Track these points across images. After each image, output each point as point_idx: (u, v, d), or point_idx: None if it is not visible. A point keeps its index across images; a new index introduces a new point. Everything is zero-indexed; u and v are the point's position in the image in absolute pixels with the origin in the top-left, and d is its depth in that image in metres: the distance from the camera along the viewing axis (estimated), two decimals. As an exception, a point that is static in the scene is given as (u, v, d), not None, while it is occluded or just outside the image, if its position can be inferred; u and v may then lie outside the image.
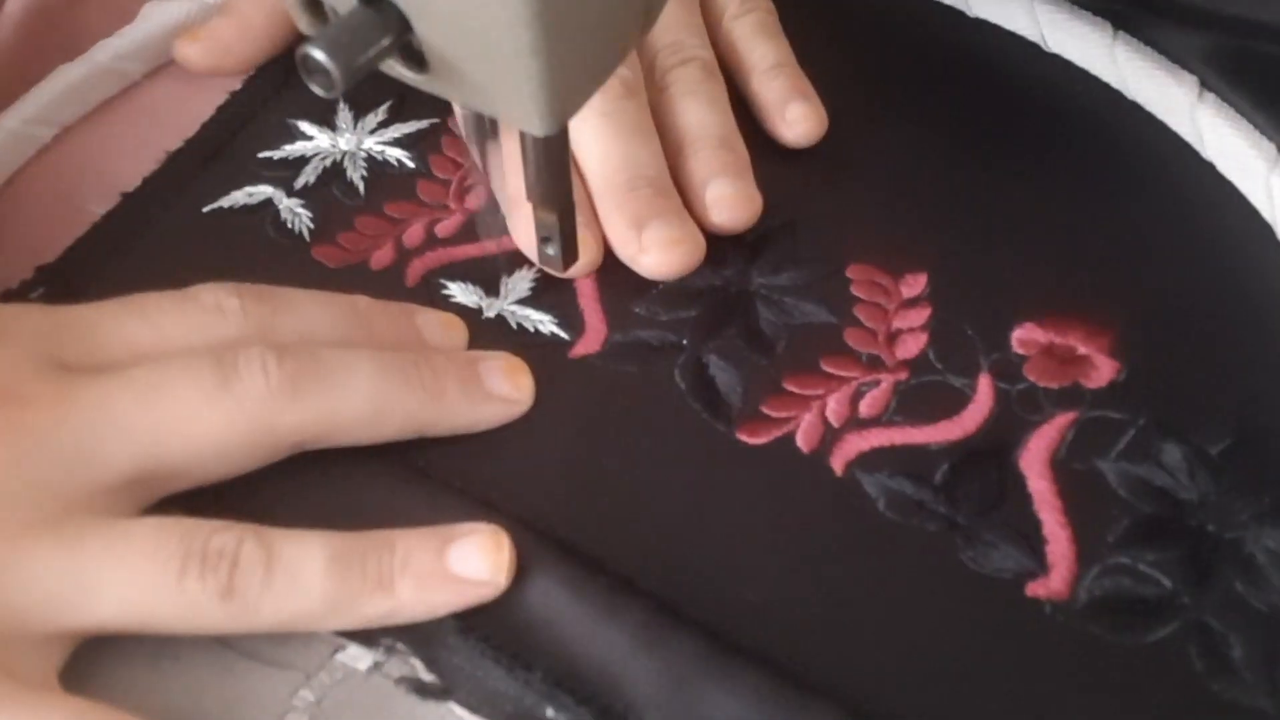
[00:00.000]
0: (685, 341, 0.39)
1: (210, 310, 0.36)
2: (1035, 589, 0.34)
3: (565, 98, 0.29)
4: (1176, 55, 0.45)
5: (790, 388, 0.38)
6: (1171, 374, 0.39)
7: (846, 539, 0.35)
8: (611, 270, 0.41)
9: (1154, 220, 0.43)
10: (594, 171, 0.41)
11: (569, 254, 0.36)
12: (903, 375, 0.39)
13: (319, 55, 0.27)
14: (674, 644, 0.33)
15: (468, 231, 0.42)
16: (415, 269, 0.41)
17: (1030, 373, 0.39)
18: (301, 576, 0.32)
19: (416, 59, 0.29)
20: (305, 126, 0.45)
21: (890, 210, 0.43)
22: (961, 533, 0.35)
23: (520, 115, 0.30)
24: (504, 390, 0.37)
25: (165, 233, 0.42)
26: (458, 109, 0.35)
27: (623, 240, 0.41)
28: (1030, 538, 0.35)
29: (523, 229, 0.40)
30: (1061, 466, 0.37)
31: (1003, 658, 0.33)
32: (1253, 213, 0.43)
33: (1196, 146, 0.45)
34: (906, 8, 0.49)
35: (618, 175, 0.41)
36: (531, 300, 0.40)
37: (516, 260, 0.41)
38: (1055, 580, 0.34)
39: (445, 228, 0.42)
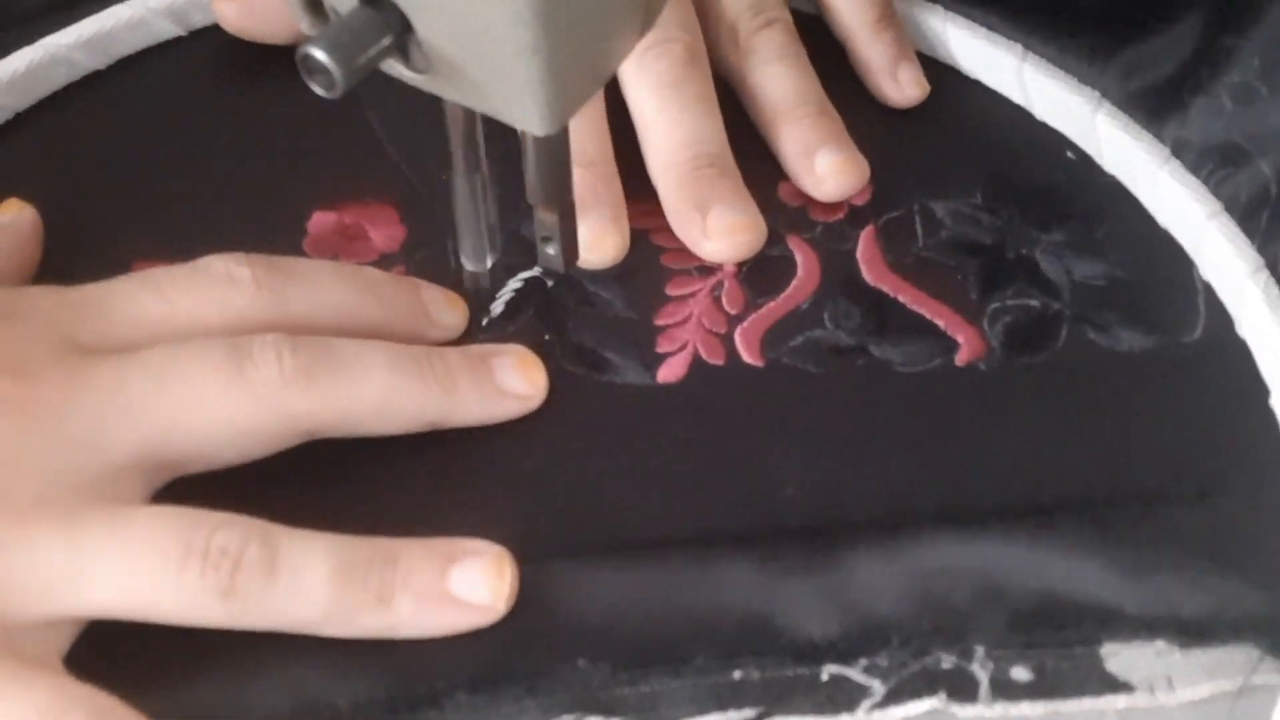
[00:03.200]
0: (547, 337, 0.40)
1: (221, 281, 0.35)
2: (962, 358, 0.39)
3: (566, 97, 0.30)
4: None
5: (661, 323, 0.40)
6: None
7: (799, 414, 0.38)
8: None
9: None
10: (657, 147, 0.41)
11: (570, 254, 0.36)
12: (732, 269, 0.41)
13: (319, 55, 0.27)
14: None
15: None
16: None
17: (815, 215, 0.42)
18: (304, 584, 0.31)
19: (417, 59, 0.30)
20: None
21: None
22: (879, 351, 0.39)
23: (521, 115, 0.30)
24: (516, 386, 0.37)
25: None
26: (449, 115, 0.35)
27: (685, 223, 0.41)
28: (927, 329, 0.39)
29: None
30: (896, 266, 0.40)
31: (973, 423, 0.38)
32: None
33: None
34: None
35: (681, 152, 0.41)
36: None
37: None
38: (969, 346, 0.39)
39: None
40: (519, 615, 0.33)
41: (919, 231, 0.42)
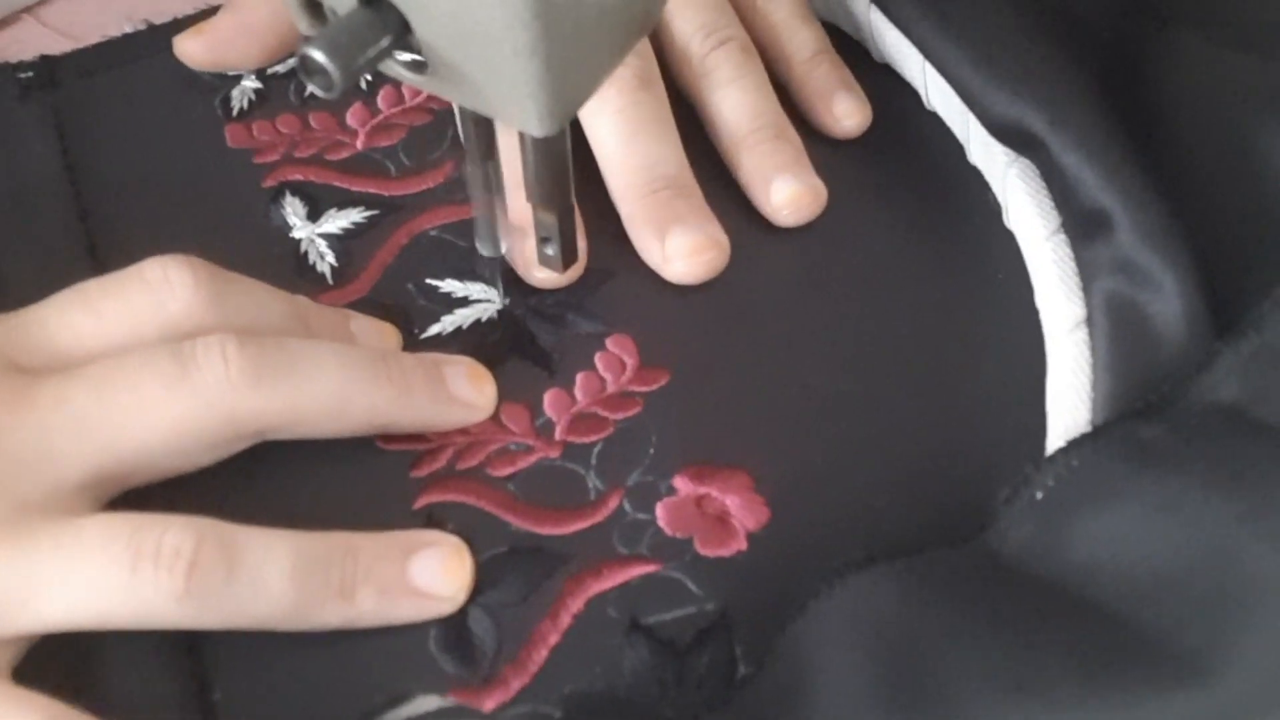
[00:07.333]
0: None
1: (157, 286, 0.34)
2: (463, 694, 0.33)
3: (564, 98, 0.30)
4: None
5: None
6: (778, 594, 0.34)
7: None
8: (412, 247, 0.42)
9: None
10: (612, 172, 0.41)
11: (568, 254, 0.37)
12: (555, 454, 0.37)
13: (318, 56, 0.28)
14: None
15: (351, 164, 0.44)
16: (280, 174, 0.44)
17: (661, 510, 0.36)
18: (265, 580, 0.31)
19: (416, 59, 0.30)
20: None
21: (692, 300, 0.41)
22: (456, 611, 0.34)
23: (519, 116, 0.30)
24: (467, 394, 0.37)
25: (138, 74, 0.46)
26: (459, 119, 0.35)
27: (646, 248, 0.40)
28: (503, 651, 0.34)
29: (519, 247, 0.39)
30: (597, 606, 0.34)
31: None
32: None
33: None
34: None
35: (637, 176, 0.40)
36: (335, 238, 0.42)
37: (354, 200, 0.43)
38: (488, 698, 0.33)
39: (338, 152, 0.44)
40: None
41: (665, 614, 0.35)
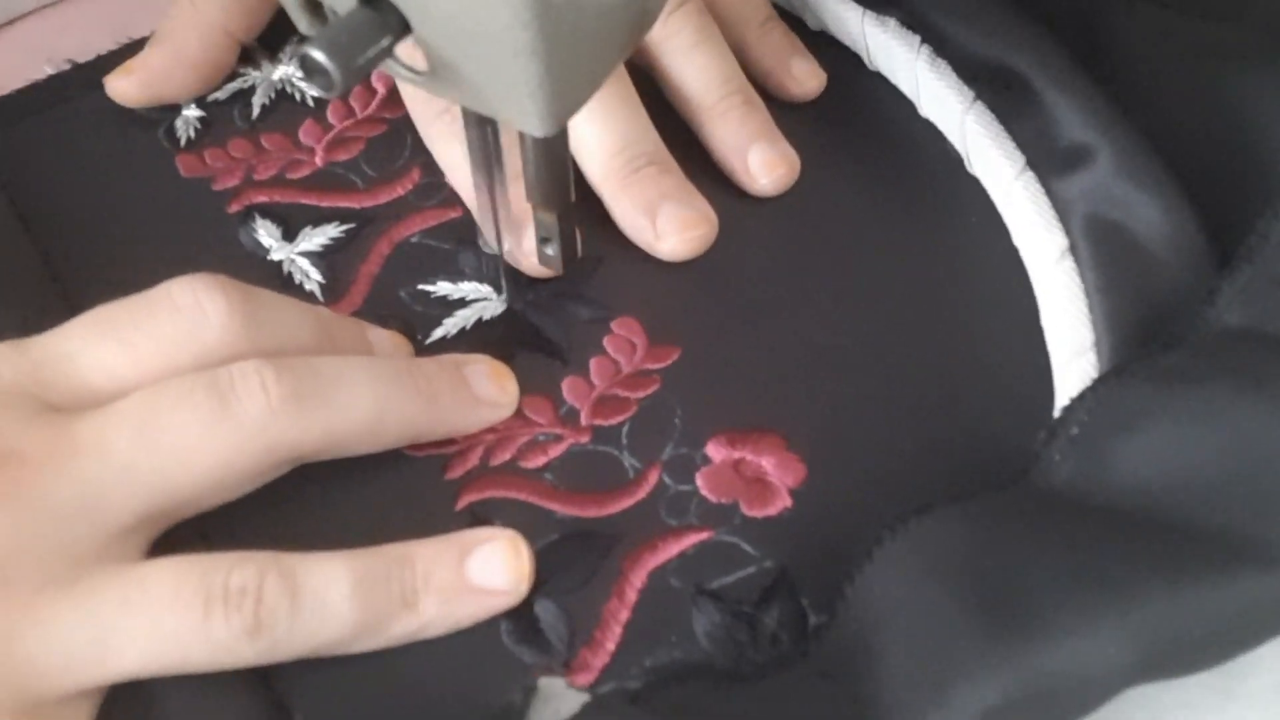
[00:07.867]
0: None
1: (190, 313, 0.33)
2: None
3: (564, 98, 0.30)
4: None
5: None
6: (832, 544, 0.35)
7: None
8: (396, 256, 0.42)
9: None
10: (591, 156, 0.40)
11: (569, 254, 0.37)
12: (585, 439, 0.38)
13: (319, 55, 0.28)
14: None
15: (315, 181, 0.44)
16: (244, 198, 0.43)
17: (701, 479, 0.37)
18: (328, 605, 0.31)
19: (416, 59, 0.30)
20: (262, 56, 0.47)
21: (686, 276, 0.41)
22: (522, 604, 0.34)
23: (519, 116, 0.30)
24: (491, 393, 0.37)
25: (74, 114, 0.45)
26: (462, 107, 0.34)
27: (635, 227, 0.40)
28: (577, 635, 0.34)
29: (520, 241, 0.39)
30: (658, 579, 0.35)
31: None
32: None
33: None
34: None
35: (616, 157, 0.40)
36: (316, 255, 0.42)
37: (326, 216, 0.43)
38: (573, 681, 0.33)
39: (298, 170, 0.44)
40: None
41: (727, 578, 0.36)
